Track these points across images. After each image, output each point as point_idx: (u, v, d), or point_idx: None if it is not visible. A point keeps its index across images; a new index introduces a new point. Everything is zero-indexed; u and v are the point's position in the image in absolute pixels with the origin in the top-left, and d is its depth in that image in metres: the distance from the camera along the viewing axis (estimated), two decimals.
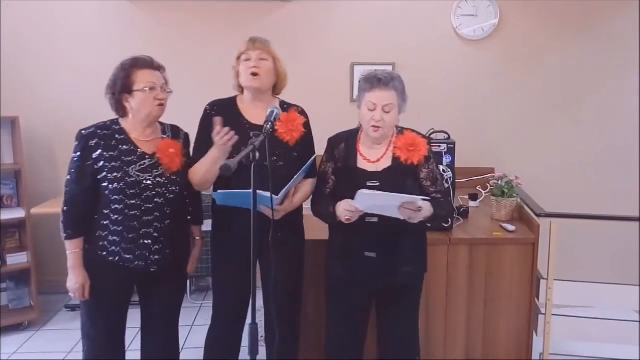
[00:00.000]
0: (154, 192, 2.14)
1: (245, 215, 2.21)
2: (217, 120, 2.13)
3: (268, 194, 2.03)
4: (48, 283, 3.89)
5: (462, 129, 3.62)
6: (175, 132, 2.30)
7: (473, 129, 4.02)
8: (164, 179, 2.17)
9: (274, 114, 2.14)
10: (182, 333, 3.39)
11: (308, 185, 2.37)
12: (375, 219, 2.16)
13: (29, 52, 3.94)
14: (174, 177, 2.20)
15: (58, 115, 3.98)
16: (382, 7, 4.00)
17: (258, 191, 2.06)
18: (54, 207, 3.48)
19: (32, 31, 3.93)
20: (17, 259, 3.62)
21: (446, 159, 2.83)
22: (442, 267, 2.77)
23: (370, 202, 2.05)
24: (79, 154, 2.12)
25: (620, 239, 3.98)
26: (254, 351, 1.93)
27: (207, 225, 2.52)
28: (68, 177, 2.15)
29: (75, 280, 2.17)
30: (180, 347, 3.21)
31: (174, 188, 2.19)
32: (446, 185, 2.69)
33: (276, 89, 2.40)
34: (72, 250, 2.16)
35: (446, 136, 3.06)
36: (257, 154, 1.93)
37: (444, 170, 2.82)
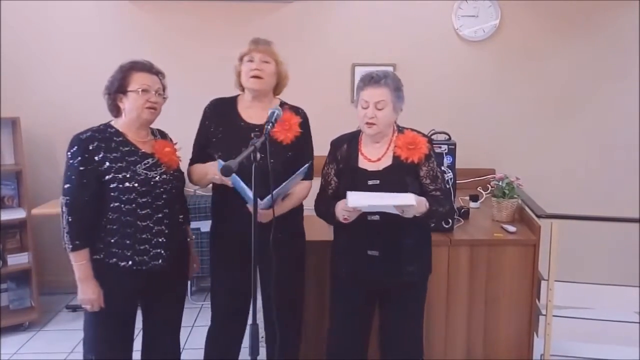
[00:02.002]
0: (162, 189, 2.16)
1: (244, 215, 2.22)
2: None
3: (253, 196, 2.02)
4: (49, 283, 3.89)
5: (463, 130, 3.62)
6: (163, 135, 2.33)
7: (474, 130, 4.02)
8: (168, 175, 2.20)
9: (275, 114, 2.14)
10: (183, 334, 3.40)
11: (303, 189, 2.37)
12: (377, 217, 2.17)
13: (29, 52, 3.94)
14: (176, 174, 2.25)
15: (59, 116, 3.98)
16: (383, 7, 4.00)
17: (248, 192, 2.08)
18: (55, 207, 3.48)
19: (33, 32, 3.93)
20: (17, 260, 3.62)
21: (447, 160, 2.84)
22: (442, 267, 2.77)
23: (361, 201, 2.07)
24: (79, 159, 2.06)
25: (620, 240, 3.98)
26: (254, 351, 1.93)
27: (206, 226, 2.52)
28: (68, 185, 2.06)
29: (91, 292, 2.11)
30: (181, 348, 3.23)
31: (178, 184, 2.24)
32: (447, 185, 2.70)
33: (276, 89, 2.41)
34: (81, 261, 2.08)
35: (447, 137, 3.06)
36: (258, 155, 1.93)
37: (444, 171, 2.82)
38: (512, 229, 2.87)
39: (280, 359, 2.34)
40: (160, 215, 2.16)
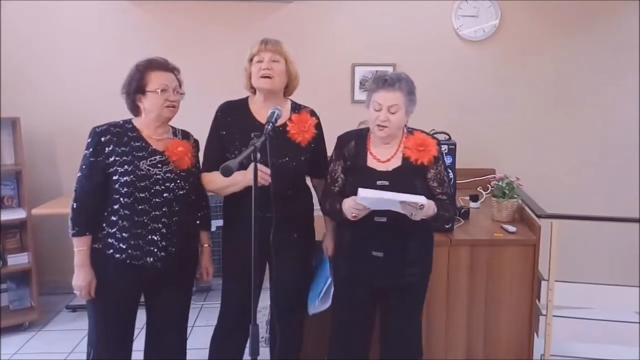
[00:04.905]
0: (163, 187, 2.16)
1: (256, 218, 2.24)
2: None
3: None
4: (49, 284, 3.89)
5: (463, 130, 3.62)
6: (185, 136, 2.33)
7: (474, 130, 4.02)
8: (173, 174, 2.19)
9: (275, 114, 2.15)
10: None
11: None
12: (384, 219, 2.16)
13: (29, 52, 3.94)
14: (184, 174, 2.23)
15: (59, 116, 3.99)
16: (383, 8, 4.00)
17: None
18: (55, 207, 3.49)
19: (33, 31, 3.93)
20: (17, 260, 3.61)
21: (447, 160, 2.83)
22: (443, 268, 2.77)
23: (371, 199, 2.07)
24: (91, 149, 2.14)
25: (620, 240, 3.98)
26: (255, 352, 1.93)
27: (214, 225, 2.51)
28: (79, 173, 2.15)
29: (82, 278, 2.16)
30: None
31: (182, 184, 2.21)
32: (452, 190, 2.71)
33: (287, 89, 2.40)
34: (80, 248, 2.15)
35: (447, 137, 3.06)
36: (258, 155, 1.94)
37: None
38: (512, 229, 2.87)
39: (281, 358, 2.34)
40: (157, 212, 2.16)
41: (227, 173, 1.85)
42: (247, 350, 2.06)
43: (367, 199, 2.05)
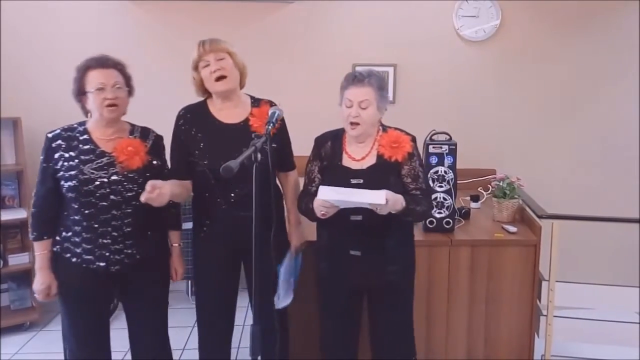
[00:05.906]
0: (108, 190, 2.12)
1: (226, 216, 2.24)
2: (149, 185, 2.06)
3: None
4: None
5: (464, 130, 3.61)
6: (144, 133, 2.28)
7: (474, 130, 4.01)
8: (120, 176, 2.14)
9: (276, 115, 2.15)
10: (183, 334, 3.41)
11: (296, 180, 2.44)
12: (359, 217, 2.17)
13: (30, 52, 3.94)
14: (132, 175, 2.16)
15: (60, 116, 3.90)
16: (383, 8, 4.00)
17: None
18: None
19: (34, 31, 3.92)
20: (18, 260, 3.62)
21: (447, 160, 2.83)
22: (443, 268, 2.77)
23: (335, 196, 2.07)
24: (43, 156, 2.16)
25: (620, 241, 3.98)
26: (255, 352, 1.93)
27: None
28: (37, 179, 2.19)
29: (40, 282, 2.19)
30: (181, 347, 3.24)
31: (131, 186, 2.15)
32: (447, 185, 2.71)
33: (240, 82, 2.37)
34: (39, 252, 2.19)
35: (447, 137, 3.05)
36: (259, 155, 1.94)
37: (445, 172, 2.82)
38: (512, 229, 2.87)
39: (271, 358, 2.34)
40: (106, 216, 2.13)
41: (228, 173, 1.84)
42: (245, 351, 2.05)
43: (329, 194, 2.06)
